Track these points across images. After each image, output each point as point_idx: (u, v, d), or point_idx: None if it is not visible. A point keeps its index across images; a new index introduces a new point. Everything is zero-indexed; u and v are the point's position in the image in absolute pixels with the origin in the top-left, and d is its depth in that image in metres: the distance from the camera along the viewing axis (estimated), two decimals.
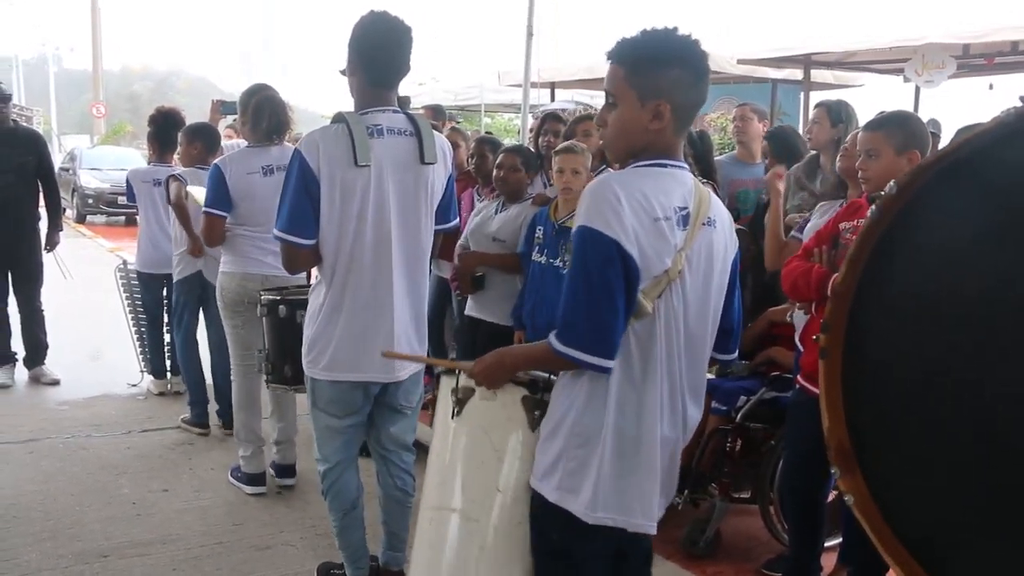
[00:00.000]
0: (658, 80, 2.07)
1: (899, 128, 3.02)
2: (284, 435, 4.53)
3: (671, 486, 2.28)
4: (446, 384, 2.45)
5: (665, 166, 2.12)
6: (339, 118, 2.96)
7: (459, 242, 4.60)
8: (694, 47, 2.09)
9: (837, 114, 4.48)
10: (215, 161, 4.34)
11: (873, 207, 1.85)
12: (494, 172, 4.63)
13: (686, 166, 2.19)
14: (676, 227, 2.07)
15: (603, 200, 2.00)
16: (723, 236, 2.24)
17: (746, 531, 3.94)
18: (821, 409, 1.93)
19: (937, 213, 1.77)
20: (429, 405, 2.64)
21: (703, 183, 2.30)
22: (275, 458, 4.56)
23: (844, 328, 1.92)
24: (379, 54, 2.98)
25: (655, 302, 2.06)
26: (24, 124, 6.64)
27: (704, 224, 2.15)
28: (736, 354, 2.43)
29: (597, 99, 13.22)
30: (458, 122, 9.07)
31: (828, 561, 3.57)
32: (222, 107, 5.91)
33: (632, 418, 2.10)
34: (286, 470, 4.55)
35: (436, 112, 8.03)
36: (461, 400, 2.38)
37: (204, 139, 5.33)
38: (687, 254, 2.09)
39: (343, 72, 3.04)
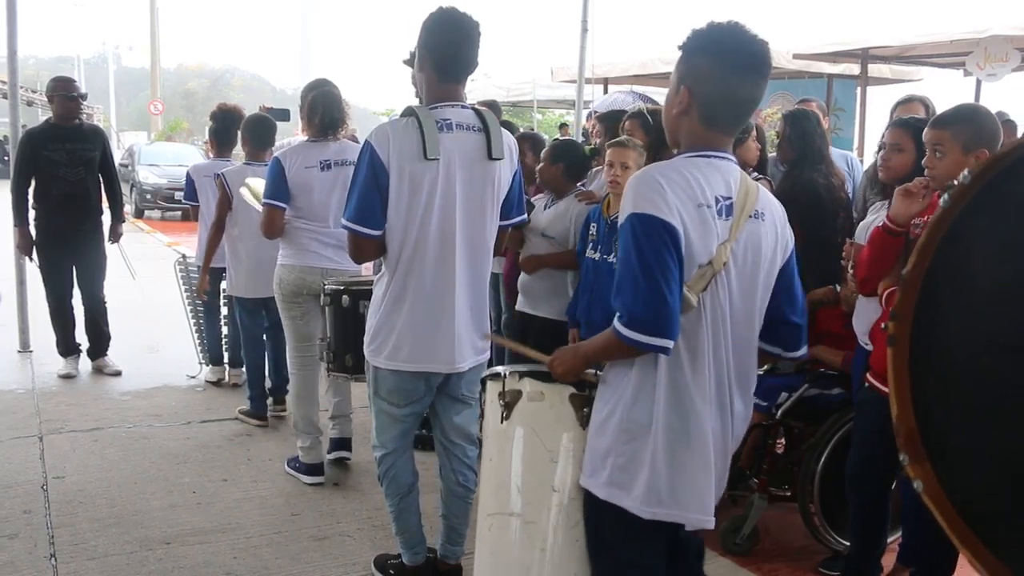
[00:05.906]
0: (685, 66, 2.12)
1: (967, 125, 2.89)
2: (339, 409, 4.65)
3: (722, 481, 2.26)
4: (493, 389, 2.45)
5: (709, 157, 2.12)
6: (409, 112, 2.99)
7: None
8: (736, 41, 2.07)
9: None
10: (276, 154, 4.43)
11: (945, 195, 1.83)
12: None
13: (733, 158, 2.18)
14: (719, 216, 2.06)
15: (646, 186, 2.02)
16: (772, 229, 2.20)
17: (802, 528, 3.89)
18: (890, 396, 1.92)
19: (1010, 199, 1.75)
20: None
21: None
22: (331, 433, 4.68)
23: (912, 317, 1.91)
24: (448, 50, 3.00)
25: (700, 296, 2.04)
26: (87, 121, 6.79)
27: (751, 217, 2.13)
28: (805, 351, 2.36)
29: (650, 94, 13.13)
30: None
31: (887, 561, 3.52)
32: (270, 113, 5.95)
33: (681, 412, 2.08)
34: (342, 443, 4.69)
35: (492, 109, 8.05)
36: (509, 404, 2.38)
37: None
38: (732, 246, 2.08)
39: (407, 62, 3.06)
